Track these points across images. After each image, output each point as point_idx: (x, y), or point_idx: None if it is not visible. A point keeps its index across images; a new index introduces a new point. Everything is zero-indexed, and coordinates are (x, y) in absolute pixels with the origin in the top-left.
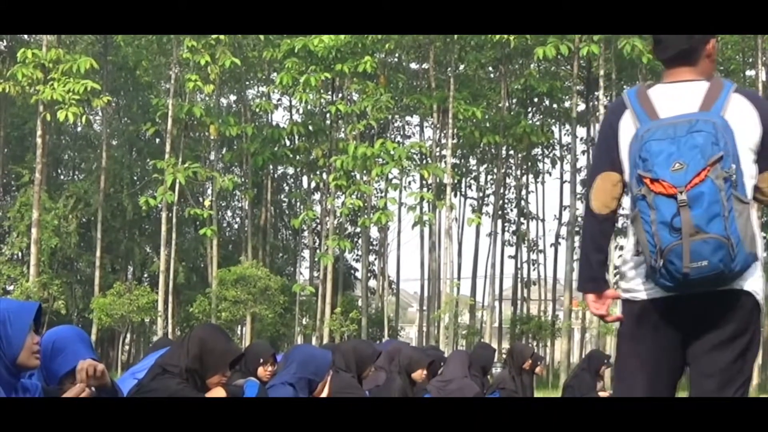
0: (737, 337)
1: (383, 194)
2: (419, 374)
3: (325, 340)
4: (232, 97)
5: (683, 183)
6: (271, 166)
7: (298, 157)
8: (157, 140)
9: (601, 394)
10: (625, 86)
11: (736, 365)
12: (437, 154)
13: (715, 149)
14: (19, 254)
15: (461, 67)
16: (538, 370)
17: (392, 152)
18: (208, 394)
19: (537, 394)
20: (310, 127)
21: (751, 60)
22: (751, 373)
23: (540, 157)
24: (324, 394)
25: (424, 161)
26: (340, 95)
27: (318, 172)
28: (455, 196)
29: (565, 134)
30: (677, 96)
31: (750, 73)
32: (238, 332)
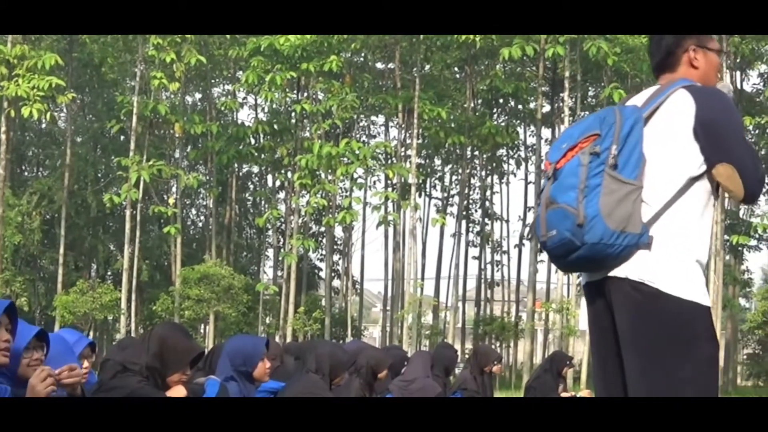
0: (635, 337)
1: (348, 194)
2: (384, 374)
3: (288, 339)
4: (198, 95)
5: (555, 160)
6: (235, 165)
7: (263, 155)
8: (122, 137)
9: (563, 395)
10: (590, 88)
11: (637, 369)
12: (402, 154)
13: (593, 129)
14: None
15: (427, 67)
16: (495, 369)
17: (357, 152)
18: (169, 393)
19: (500, 395)
20: (276, 126)
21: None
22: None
23: (505, 158)
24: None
25: (389, 161)
26: (305, 94)
27: (283, 171)
28: (420, 196)
29: (530, 135)
30: (635, 100)
31: None
32: (202, 331)
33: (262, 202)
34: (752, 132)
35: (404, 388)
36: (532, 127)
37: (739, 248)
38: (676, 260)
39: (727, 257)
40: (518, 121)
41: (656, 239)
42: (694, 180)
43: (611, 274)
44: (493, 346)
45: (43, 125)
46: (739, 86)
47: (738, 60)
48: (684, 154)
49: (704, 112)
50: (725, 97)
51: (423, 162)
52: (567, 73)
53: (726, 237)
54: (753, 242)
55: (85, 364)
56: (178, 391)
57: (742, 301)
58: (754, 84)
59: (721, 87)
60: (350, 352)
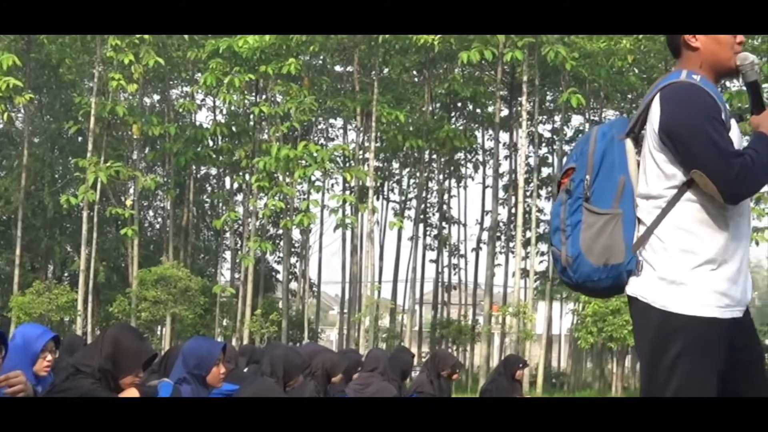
0: (637, 350)
1: (305, 196)
2: (339, 378)
3: (245, 342)
4: (156, 97)
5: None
6: (193, 167)
7: (221, 157)
8: (80, 138)
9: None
10: (548, 92)
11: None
12: (360, 157)
13: (570, 162)
14: None
15: (385, 70)
16: (455, 377)
17: (315, 154)
18: (122, 395)
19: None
20: (234, 128)
21: (672, 68)
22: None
23: (463, 162)
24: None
25: (347, 164)
26: (263, 96)
27: (240, 173)
28: (377, 199)
29: (488, 139)
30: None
31: None
32: (158, 333)
33: (220, 204)
34: None
35: (360, 391)
36: (490, 131)
37: None
38: (669, 273)
39: None
40: (476, 125)
41: (651, 256)
42: (684, 187)
43: (626, 294)
44: (449, 350)
45: (0, 125)
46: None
47: None
48: (662, 165)
49: (665, 119)
50: (688, 97)
51: (381, 165)
52: (525, 78)
53: None
54: None
55: (48, 357)
56: (130, 394)
57: None
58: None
59: (740, 60)
60: (305, 354)
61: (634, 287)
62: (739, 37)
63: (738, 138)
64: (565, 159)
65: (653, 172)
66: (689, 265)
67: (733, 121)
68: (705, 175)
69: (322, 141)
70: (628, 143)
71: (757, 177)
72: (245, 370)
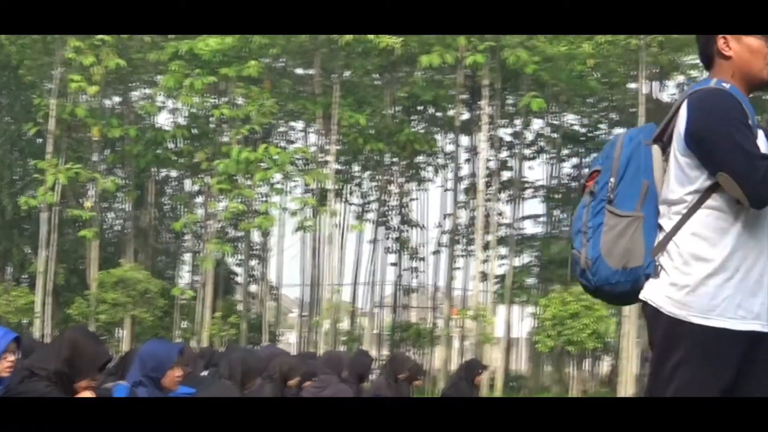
0: (654, 355)
1: (266, 199)
2: (295, 381)
3: (204, 344)
4: (117, 99)
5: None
6: (154, 169)
7: (181, 160)
8: (39, 140)
9: None
10: (509, 96)
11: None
12: (321, 159)
13: (596, 164)
14: None
15: (347, 73)
16: (416, 383)
17: (276, 157)
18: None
19: None
20: (194, 131)
21: (633, 73)
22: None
23: (423, 165)
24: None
25: (308, 167)
26: (224, 99)
27: (201, 176)
28: (338, 202)
29: (448, 142)
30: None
31: (632, 86)
32: (117, 335)
33: (180, 207)
34: None
35: (317, 393)
36: (451, 135)
37: None
38: (681, 279)
39: None
40: (437, 129)
41: (667, 262)
42: (707, 193)
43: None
44: (408, 353)
45: None
46: (656, 96)
47: (656, 70)
48: (686, 170)
49: (693, 123)
50: (716, 101)
51: (342, 168)
52: (486, 81)
53: None
54: None
55: (11, 357)
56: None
57: None
58: (672, 94)
59: None
60: (263, 357)
61: (647, 291)
62: None
63: (765, 147)
64: (590, 162)
65: (676, 176)
66: (703, 273)
67: (760, 132)
68: (731, 177)
69: (282, 144)
70: (655, 149)
71: None
72: (204, 373)
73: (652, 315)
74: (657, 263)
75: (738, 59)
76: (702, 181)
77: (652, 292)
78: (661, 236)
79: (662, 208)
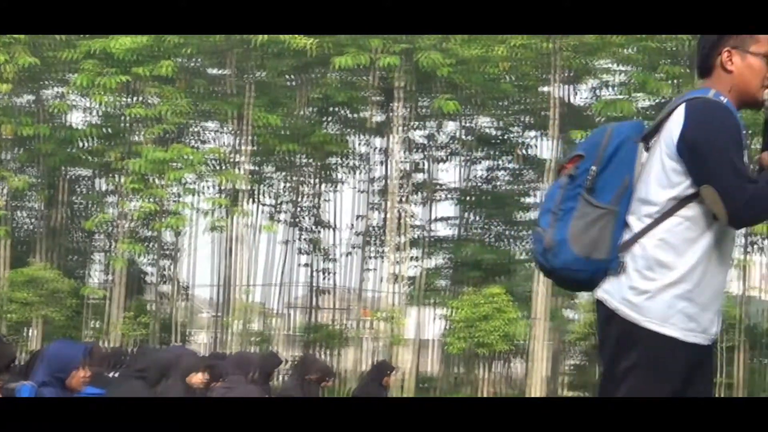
0: (600, 356)
1: (178, 199)
2: (198, 379)
3: (115, 344)
4: (28, 97)
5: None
6: (66, 168)
7: (93, 159)
8: None
9: None
10: (422, 98)
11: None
12: (234, 160)
13: (580, 149)
14: None
15: (260, 74)
16: (324, 385)
17: (188, 157)
18: None
19: None
20: (107, 129)
21: (547, 76)
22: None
23: (336, 167)
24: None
25: (221, 167)
26: (137, 98)
27: (113, 175)
28: (250, 202)
29: (361, 144)
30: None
31: (545, 89)
32: (27, 335)
33: (92, 206)
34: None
35: (224, 395)
36: (364, 136)
37: None
38: (641, 283)
39: None
40: (350, 130)
41: (630, 263)
42: (683, 202)
43: (597, 297)
44: (320, 354)
45: None
46: (569, 100)
47: (569, 74)
48: (670, 174)
49: (690, 130)
50: (718, 114)
51: (254, 169)
52: (400, 83)
53: None
54: None
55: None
56: None
57: (569, 313)
58: (584, 98)
59: (767, 95)
60: (172, 357)
61: (604, 291)
62: None
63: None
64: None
65: (658, 179)
66: (664, 281)
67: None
68: (717, 192)
69: (195, 144)
70: (641, 147)
71: (764, 208)
72: (115, 373)
73: (606, 315)
74: (621, 260)
75: (738, 75)
76: (683, 188)
77: (609, 292)
78: (628, 235)
79: (634, 207)
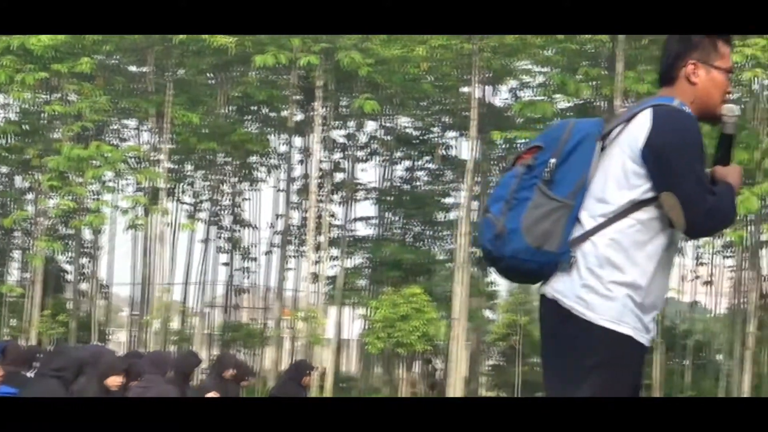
0: (549, 353)
1: (97, 197)
2: (113, 380)
3: (33, 342)
4: None
5: (506, 169)
6: None
7: (11, 156)
8: None
9: None
10: (343, 98)
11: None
12: (153, 158)
13: (539, 141)
14: None
15: (180, 72)
16: (244, 384)
17: (107, 155)
18: None
19: None
20: (26, 126)
21: (467, 77)
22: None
23: (256, 165)
24: None
25: (140, 165)
26: (56, 95)
27: (31, 172)
28: (170, 201)
29: (282, 143)
30: (623, 111)
31: (465, 89)
32: None
33: (10, 203)
34: (501, 146)
35: (141, 394)
36: (285, 135)
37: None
38: (595, 283)
39: (473, 269)
40: (270, 129)
41: (581, 260)
42: (639, 205)
43: (541, 290)
44: (239, 353)
45: None
46: (489, 100)
47: (489, 75)
48: (630, 177)
49: (656, 135)
50: (685, 123)
51: (174, 167)
52: (320, 83)
53: (472, 249)
54: None
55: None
56: None
57: (487, 313)
58: (504, 99)
59: (726, 110)
60: (87, 356)
61: (556, 291)
62: (728, 87)
63: None
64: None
65: (617, 180)
66: (617, 280)
67: None
68: (678, 200)
69: (115, 141)
70: (599, 145)
71: (721, 220)
72: (31, 372)
73: (561, 315)
74: (572, 255)
75: (702, 88)
76: (642, 192)
77: (562, 292)
78: (579, 231)
79: (588, 205)
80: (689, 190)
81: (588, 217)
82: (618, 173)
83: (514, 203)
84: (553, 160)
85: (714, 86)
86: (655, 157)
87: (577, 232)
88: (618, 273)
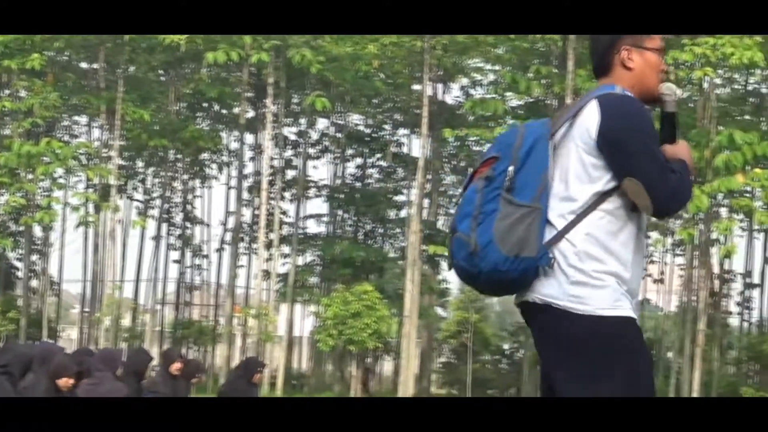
0: (558, 360)
1: (48, 193)
2: (65, 382)
3: None
4: None
5: (464, 186)
6: None
7: None
8: None
9: None
10: (294, 95)
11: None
12: (104, 155)
13: (493, 151)
14: None
15: (131, 68)
16: (194, 381)
17: (58, 151)
18: None
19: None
20: None
21: (418, 75)
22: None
23: (207, 162)
24: None
25: (91, 162)
26: (6, 91)
27: None
28: (121, 198)
29: (233, 140)
30: (565, 110)
31: (417, 87)
32: None
33: None
34: (452, 143)
35: (92, 391)
36: (236, 132)
37: (436, 258)
38: (584, 277)
39: (425, 267)
40: (222, 126)
41: (561, 258)
42: (604, 196)
43: (523, 298)
44: (190, 350)
45: None
46: (440, 98)
47: (440, 73)
48: (590, 170)
49: (607, 124)
50: (633, 107)
51: (125, 164)
52: (271, 80)
53: (423, 247)
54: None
55: None
56: None
57: (439, 311)
58: (456, 96)
59: (665, 89)
60: (35, 352)
61: (545, 296)
62: (663, 66)
63: None
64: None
65: (577, 175)
66: (600, 270)
67: None
68: (641, 184)
69: (65, 138)
70: (551, 145)
71: (684, 197)
72: None
73: (557, 318)
74: (551, 256)
75: (639, 72)
76: (605, 182)
77: (552, 295)
78: (551, 232)
79: (553, 204)
80: (650, 170)
81: (557, 217)
82: (578, 169)
83: (481, 218)
84: (511, 168)
85: (650, 67)
86: (610, 145)
87: (550, 233)
88: (600, 264)
